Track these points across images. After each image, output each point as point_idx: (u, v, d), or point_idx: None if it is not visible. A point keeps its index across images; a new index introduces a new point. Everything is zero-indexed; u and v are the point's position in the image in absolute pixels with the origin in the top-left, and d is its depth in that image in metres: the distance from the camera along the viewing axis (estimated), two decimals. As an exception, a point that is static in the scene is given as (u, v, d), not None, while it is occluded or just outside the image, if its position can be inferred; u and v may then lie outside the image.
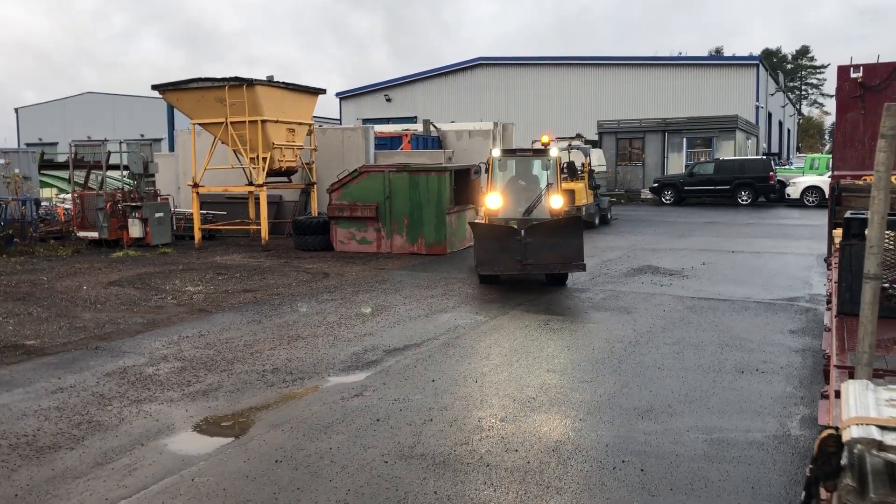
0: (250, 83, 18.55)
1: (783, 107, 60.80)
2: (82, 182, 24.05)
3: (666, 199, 34.52)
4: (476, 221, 13.70)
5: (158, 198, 20.82)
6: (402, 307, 11.08)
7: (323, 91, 21.35)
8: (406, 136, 25.59)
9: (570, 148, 26.79)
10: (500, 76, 51.00)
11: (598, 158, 37.43)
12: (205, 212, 20.90)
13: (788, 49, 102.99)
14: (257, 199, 19.66)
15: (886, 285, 5.16)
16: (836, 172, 12.04)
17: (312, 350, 8.59)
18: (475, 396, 6.90)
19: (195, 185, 19.60)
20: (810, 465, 2.22)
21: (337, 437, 5.85)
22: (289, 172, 20.50)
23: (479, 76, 51.75)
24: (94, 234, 19.59)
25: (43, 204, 23.63)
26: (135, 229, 19.13)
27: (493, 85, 50.63)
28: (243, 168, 19.94)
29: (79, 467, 5.31)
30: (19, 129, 64.84)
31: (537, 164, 13.94)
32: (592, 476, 5.10)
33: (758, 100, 45.61)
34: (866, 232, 3.69)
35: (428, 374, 7.59)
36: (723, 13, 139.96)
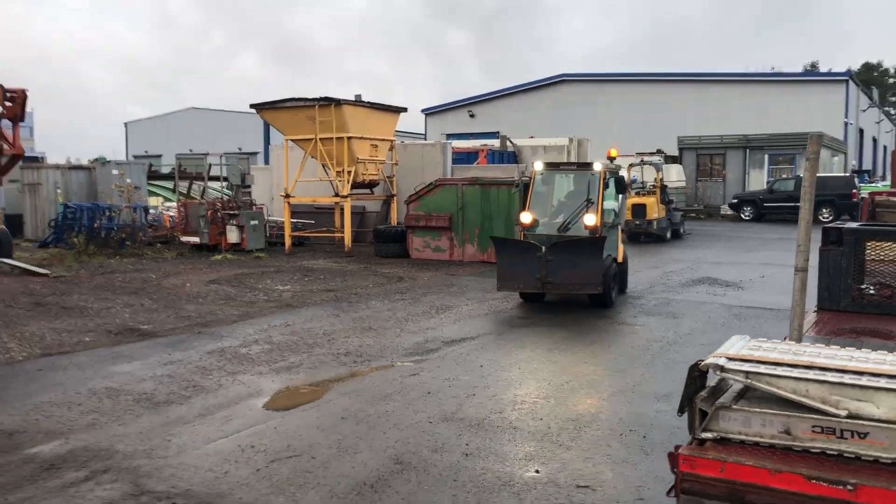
0: (338, 103, 20.13)
1: (878, 122, 59.10)
2: (185, 192, 26.26)
3: (745, 216, 34.52)
4: (497, 236, 13.40)
5: (254, 207, 22.65)
6: (465, 307, 12.23)
7: (404, 109, 22.80)
8: (482, 151, 26.78)
9: (642, 163, 27.41)
10: (582, 92, 51.63)
11: (677, 174, 37.74)
12: (295, 220, 22.58)
13: (891, 63, 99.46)
14: (342, 209, 21.22)
15: (864, 286, 5.99)
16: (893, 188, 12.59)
17: (381, 339, 9.82)
18: (515, 379, 7.96)
19: (287, 196, 21.31)
20: (684, 387, 3.22)
21: (393, 403, 7.02)
22: (371, 185, 21.97)
23: (561, 92, 52.54)
24: (196, 239, 21.52)
25: (150, 211, 25.88)
26: (232, 235, 20.95)
27: (575, 101, 51.28)
28: (330, 181, 21.51)
29: (187, 417, 6.65)
30: (128, 142, 69.30)
31: (580, 179, 12.90)
32: (601, 440, 6.09)
33: (846, 116, 44.77)
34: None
35: (478, 361, 8.70)
36: (827, 26, 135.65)
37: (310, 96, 20.50)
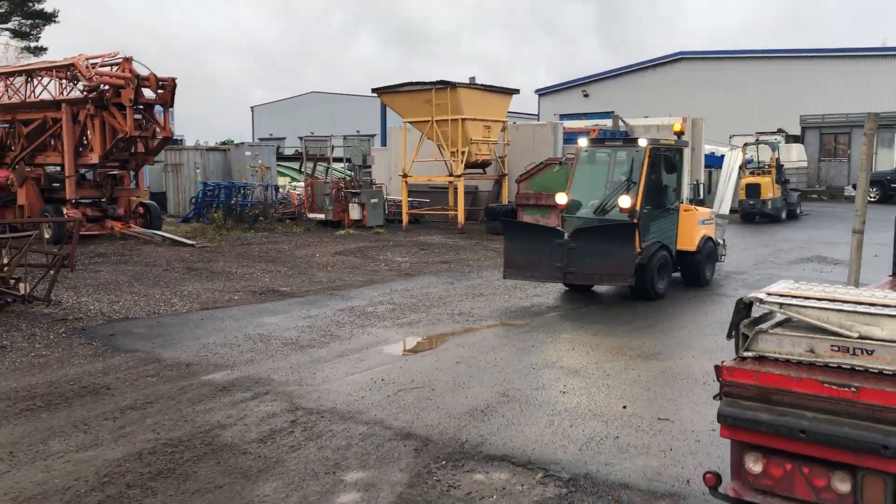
0: (453, 86, 21.18)
1: None
2: (311, 172, 28.07)
3: (871, 197, 33.35)
4: (507, 220, 12.40)
5: (374, 186, 24.10)
6: (572, 278, 13.06)
7: (517, 91, 23.62)
8: (593, 130, 27.18)
9: (757, 143, 27.13)
10: (700, 71, 50.61)
11: (797, 154, 36.75)
12: (411, 199, 23.88)
13: None
14: (456, 188, 22.33)
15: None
16: None
17: (491, 303, 10.82)
18: (615, 338, 8.78)
19: (404, 176, 22.61)
20: (732, 316, 4.00)
21: (501, 353, 8.00)
22: (484, 165, 22.95)
23: (678, 71, 51.67)
24: (321, 216, 23.18)
25: (280, 190, 27.86)
26: (354, 212, 22.46)
27: (692, 80, 50.33)
28: (445, 161, 22.64)
29: (327, 357, 7.87)
30: (254, 124, 73.09)
31: (626, 158, 11.46)
32: (685, 387, 6.85)
33: None
34: None
35: (580, 322, 9.55)
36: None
37: (426, 80, 21.65)
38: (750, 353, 3.91)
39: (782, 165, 26.22)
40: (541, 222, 20.51)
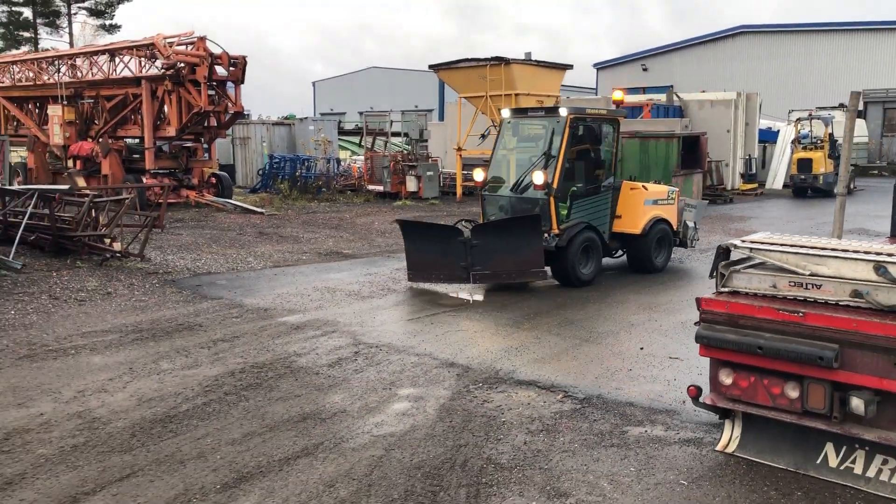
0: (507, 62, 21.95)
1: None
2: (370, 145, 29.24)
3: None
4: (403, 219, 11.24)
5: (430, 159, 25.11)
6: (612, 245, 13.90)
7: (570, 67, 24.22)
8: (647, 105, 27.64)
9: (810, 118, 27.20)
10: (761, 44, 49.94)
11: (857, 129, 36.37)
12: (466, 171, 24.80)
13: None
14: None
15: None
16: None
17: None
18: (646, 295, 9.66)
19: (459, 149, 23.55)
20: (713, 259, 4.89)
21: (539, 305, 8.98)
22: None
23: (739, 45, 51.06)
24: (380, 188, 24.33)
25: (341, 163, 29.12)
26: (411, 184, 23.53)
27: (753, 54, 49.74)
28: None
29: (384, 305, 8.97)
30: (315, 100, 74.68)
31: (547, 129, 10.50)
32: (660, 329, 7.71)
33: None
34: None
35: (612, 285, 10.45)
36: None
37: (481, 56, 22.46)
38: (726, 289, 4.81)
39: (836, 140, 26.27)
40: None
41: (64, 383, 6.05)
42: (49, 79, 23.00)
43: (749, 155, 27.46)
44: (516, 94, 22.06)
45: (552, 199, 9.92)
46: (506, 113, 11.26)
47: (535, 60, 23.06)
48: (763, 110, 31.85)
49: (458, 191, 23.81)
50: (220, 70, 19.93)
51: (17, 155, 25.00)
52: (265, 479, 4.42)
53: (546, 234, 9.85)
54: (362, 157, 27.97)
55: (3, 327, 7.76)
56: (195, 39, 19.93)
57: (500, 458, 4.72)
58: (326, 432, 5.11)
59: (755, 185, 27.13)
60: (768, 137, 30.99)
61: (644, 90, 39.51)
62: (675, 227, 11.54)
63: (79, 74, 22.36)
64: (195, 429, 5.14)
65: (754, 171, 27.61)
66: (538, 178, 9.81)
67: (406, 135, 25.72)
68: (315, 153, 26.86)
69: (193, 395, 5.79)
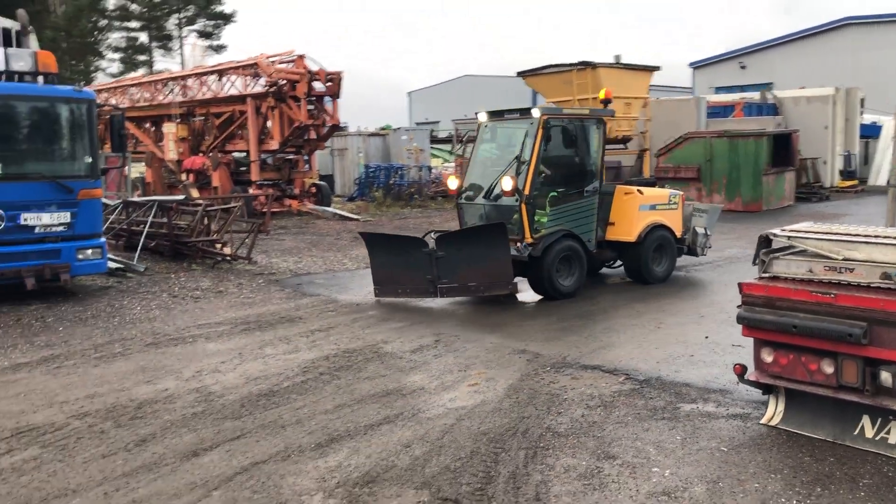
0: (593, 66, 22.27)
1: None
2: (461, 153, 30.05)
3: None
4: (366, 231, 10.78)
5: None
6: (695, 243, 14.09)
7: (657, 68, 24.27)
8: (739, 104, 27.32)
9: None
10: (868, 36, 47.92)
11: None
12: (555, 175, 25.21)
13: None
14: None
15: None
16: None
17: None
18: (727, 287, 9.95)
19: (547, 153, 24.00)
20: (756, 247, 5.29)
21: (615, 300, 9.43)
22: (624, 140, 23.89)
23: (843, 37, 49.13)
24: (471, 193, 25.02)
25: (433, 170, 30.03)
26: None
27: (859, 47, 47.71)
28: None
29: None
30: (411, 109, 76.32)
31: (521, 131, 9.82)
32: (729, 320, 8.00)
33: None
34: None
35: (685, 281, 10.76)
36: None
37: (567, 62, 22.87)
38: (766, 275, 5.22)
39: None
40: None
41: (184, 365, 6.98)
42: (164, 99, 24.89)
43: (848, 151, 26.71)
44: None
45: (523, 207, 9.32)
46: (482, 116, 10.51)
47: (623, 63, 23.27)
48: (869, 104, 30.79)
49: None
50: (318, 85, 21.15)
51: (137, 171, 27.08)
52: (352, 440, 5.13)
53: (518, 244, 9.32)
54: (453, 164, 28.77)
55: (131, 321, 8.85)
56: (295, 58, 21.23)
57: (559, 428, 5.28)
58: (406, 405, 5.79)
59: (855, 182, 26.35)
60: (873, 132, 29.95)
61: (743, 88, 38.71)
62: (678, 234, 10.77)
63: (190, 94, 24.11)
64: (294, 401, 5.93)
65: (854, 167, 26.81)
66: (507, 183, 9.24)
67: (496, 141, 26.47)
68: (408, 162, 27.86)
69: (293, 375, 6.60)
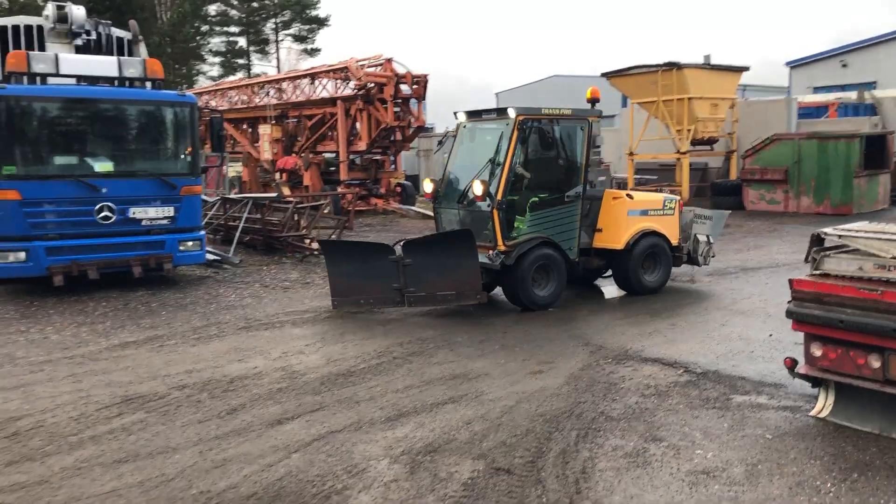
0: (679, 67, 22.15)
1: None
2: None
3: None
4: (325, 239, 10.17)
5: (602, 165, 25.67)
6: (775, 246, 13.98)
7: (746, 69, 23.90)
8: (832, 104, 26.54)
9: None
10: (981, 32, 45.42)
11: None
12: (638, 176, 25.14)
13: None
14: (682, 165, 23.29)
15: None
16: None
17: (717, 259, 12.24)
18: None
19: (630, 154, 23.99)
20: (808, 245, 5.46)
21: (684, 300, 9.61)
22: (710, 142, 23.63)
23: (955, 34, 46.70)
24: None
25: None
26: (583, 189, 24.25)
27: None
28: (672, 139, 23.67)
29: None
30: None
31: (498, 132, 9.28)
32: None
33: None
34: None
35: (764, 280, 10.78)
36: None
37: (653, 63, 22.81)
38: (817, 272, 5.41)
39: None
40: (766, 197, 20.99)
41: (272, 347, 7.62)
42: (260, 101, 26.14)
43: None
44: (689, 98, 22.20)
45: (496, 212, 8.80)
46: (461, 116, 10.05)
47: (710, 64, 23.02)
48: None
49: (630, 195, 24.22)
50: (405, 88, 21.84)
51: (234, 170, 28.47)
52: (418, 416, 5.60)
53: (490, 252, 8.88)
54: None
55: (226, 307, 9.62)
56: (383, 61, 21.98)
57: (612, 413, 5.61)
58: (470, 388, 6.23)
59: (958, 186, 25.17)
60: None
61: (844, 87, 37.38)
62: (674, 242, 10.13)
63: (284, 97, 25.25)
64: (368, 381, 6.45)
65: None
66: (477, 188, 8.73)
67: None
68: (492, 162, 28.24)
69: (369, 358, 7.13)
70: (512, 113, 8.99)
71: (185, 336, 8.13)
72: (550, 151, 9.49)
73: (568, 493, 4.35)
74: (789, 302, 5.45)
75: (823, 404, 5.44)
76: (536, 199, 9.26)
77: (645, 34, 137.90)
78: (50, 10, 11.67)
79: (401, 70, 21.64)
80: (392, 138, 22.81)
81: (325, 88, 23.98)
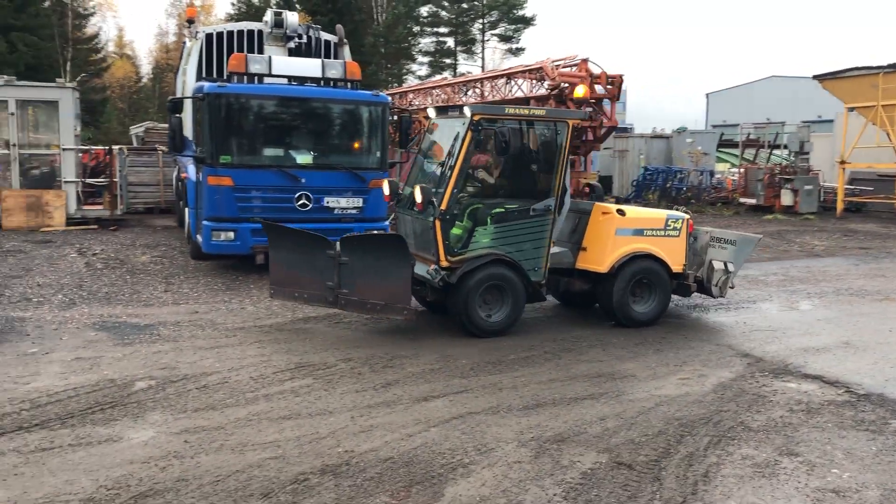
0: (904, 69, 20.30)
1: None
2: (752, 158, 28.83)
3: None
4: (270, 223, 8.68)
5: (810, 172, 24.09)
6: None
7: None
8: None
9: None
10: None
11: None
12: (851, 187, 23.33)
13: None
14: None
15: None
16: None
17: (889, 283, 11.35)
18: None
19: (842, 163, 22.30)
20: None
21: (859, 316, 9.01)
22: (939, 150, 21.43)
23: None
24: (752, 201, 24.07)
25: (716, 175, 29.14)
26: (786, 198, 22.92)
27: None
28: (893, 147, 21.72)
29: (705, 304, 9.76)
30: (708, 111, 73.39)
31: (454, 134, 8.23)
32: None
33: None
34: None
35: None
36: None
37: (873, 64, 21.06)
38: None
39: None
40: None
41: (436, 335, 8.15)
42: (459, 100, 27.08)
43: None
44: (915, 104, 20.31)
45: (437, 223, 7.73)
46: (431, 112, 9.36)
47: (942, 65, 20.85)
48: None
49: (839, 206, 22.55)
50: (599, 88, 21.73)
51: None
52: (555, 407, 5.84)
53: (430, 267, 7.90)
54: (737, 170, 27.77)
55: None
56: (578, 62, 22.02)
57: (752, 424, 5.52)
58: (613, 387, 6.36)
59: None
60: None
61: None
62: (674, 268, 8.62)
63: (483, 96, 25.99)
64: (514, 371, 6.77)
65: None
66: (417, 194, 7.83)
67: (786, 147, 25.00)
68: (688, 165, 27.38)
69: (520, 351, 7.45)
70: (467, 112, 7.92)
71: (359, 318, 8.86)
72: (519, 158, 8.36)
73: (683, 493, 4.42)
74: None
75: None
76: (502, 209, 8.13)
77: (871, 33, 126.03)
78: (269, 16, 13.00)
79: (595, 70, 21.54)
80: (583, 138, 22.79)
81: (521, 88, 24.40)
